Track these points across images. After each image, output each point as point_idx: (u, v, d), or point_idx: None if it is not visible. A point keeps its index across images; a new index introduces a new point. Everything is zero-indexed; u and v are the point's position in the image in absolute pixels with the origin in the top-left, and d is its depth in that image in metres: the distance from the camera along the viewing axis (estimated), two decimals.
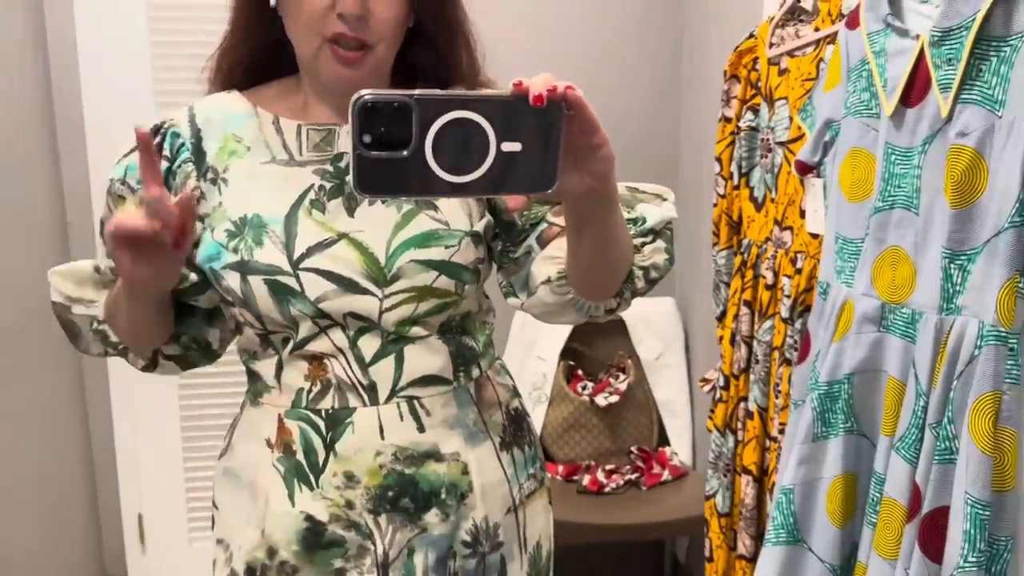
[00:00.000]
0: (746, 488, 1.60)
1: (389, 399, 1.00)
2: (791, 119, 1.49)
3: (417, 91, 0.66)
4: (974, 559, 0.89)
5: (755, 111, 1.64)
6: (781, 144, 1.53)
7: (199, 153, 1.01)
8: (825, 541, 1.11)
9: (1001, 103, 0.89)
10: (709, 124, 2.03)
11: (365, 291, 0.97)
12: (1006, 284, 0.88)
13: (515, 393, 1.15)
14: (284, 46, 1.00)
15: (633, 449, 2.31)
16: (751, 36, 1.65)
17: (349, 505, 1.00)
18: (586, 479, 2.23)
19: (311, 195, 0.99)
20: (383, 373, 0.99)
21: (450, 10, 1.01)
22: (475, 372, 1.06)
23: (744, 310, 1.64)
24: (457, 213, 1.01)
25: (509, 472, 1.08)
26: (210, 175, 1.00)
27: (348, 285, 0.96)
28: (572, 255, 0.93)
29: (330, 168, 1.00)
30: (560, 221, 1.02)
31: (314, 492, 1.00)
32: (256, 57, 1.04)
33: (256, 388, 1.05)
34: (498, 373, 1.12)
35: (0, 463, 1.86)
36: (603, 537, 2.11)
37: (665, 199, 1.05)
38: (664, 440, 2.40)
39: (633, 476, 2.25)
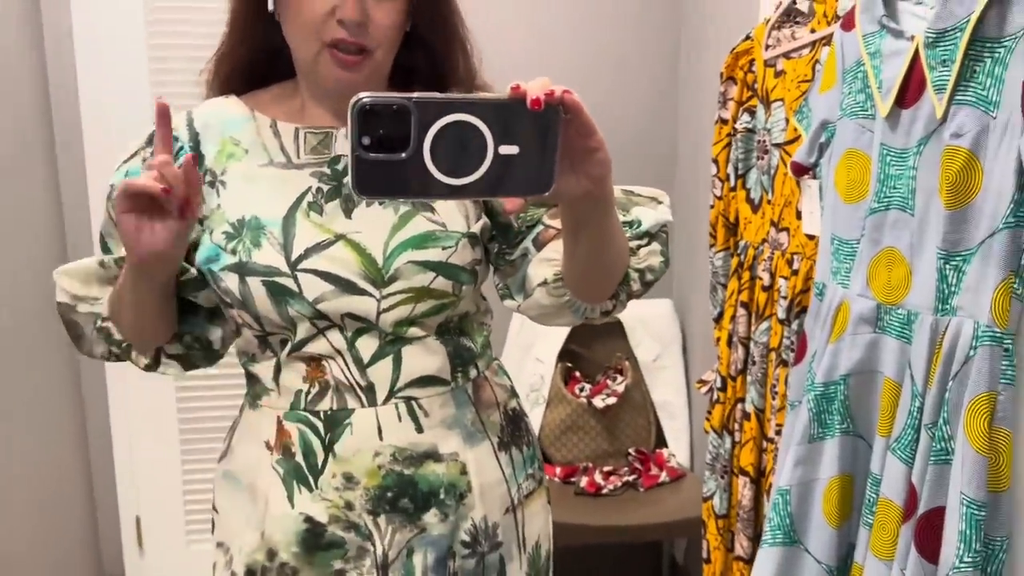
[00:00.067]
0: (743, 489, 1.60)
1: (387, 400, 1.00)
2: (787, 121, 1.50)
3: (416, 94, 0.66)
4: (970, 559, 0.89)
5: (751, 113, 1.64)
6: (777, 146, 1.53)
7: (197, 157, 1.01)
8: (822, 542, 1.11)
9: (995, 104, 0.89)
10: (706, 125, 2.03)
11: (363, 292, 0.97)
12: (1001, 285, 0.89)
13: (513, 393, 1.15)
14: (281, 51, 1.01)
15: (631, 451, 2.31)
16: (747, 38, 1.66)
17: (348, 506, 1.00)
18: (584, 481, 2.23)
19: (309, 197, 0.99)
20: (381, 374, 1.00)
21: (447, 15, 1.02)
22: (473, 373, 1.07)
23: (741, 311, 1.64)
24: (454, 215, 1.02)
25: (507, 472, 1.08)
26: (208, 178, 1.01)
27: (346, 286, 0.97)
28: (568, 257, 0.93)
29: (327, 170, 1.01)
30: (556, 224, 1.02)
31: (313, 493, 1.00)
32: (253, 62, 1.04)
33: (255, 391, 1.05)
34: (496, 374, 1.13)
35: None
36: (601, 539, 2.11)
37: (660, 202, 1.06)
38: (662, 442, 2.40)
39: (631, 478, 2.25)
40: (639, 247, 1.02)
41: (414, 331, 1.00)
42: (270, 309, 0.97)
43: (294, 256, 0.96)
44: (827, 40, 1.39)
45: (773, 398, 1.51)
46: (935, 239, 0.96)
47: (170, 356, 1.08)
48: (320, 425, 1.00)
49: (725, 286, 1.76)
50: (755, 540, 1.59)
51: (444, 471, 1.02)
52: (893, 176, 1.02)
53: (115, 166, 1.05)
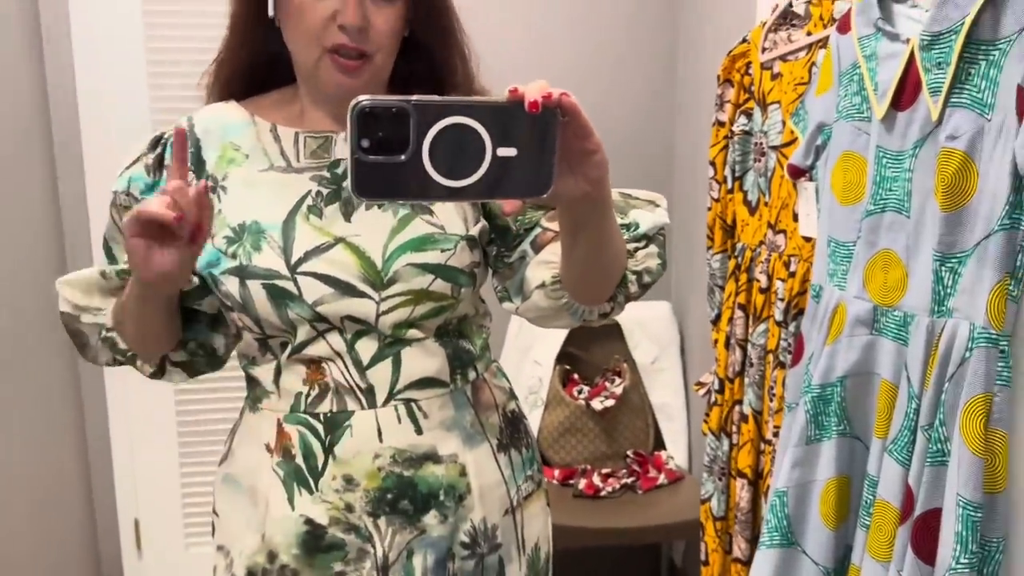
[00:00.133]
0: (741, 491, 1.60)
1: (387, 402, 1.01)
2: (784, 123, 1.50)
3: (414, 97, 0.67)
4: (966, 560, 0.90)
5: (748, 115, 1.65)
6: (774, 148, 1.54)
7: (199, 162, 1.02)
8: (819, 544, 1.12)
9: (990, 106, 0.90)
10: (704, 126, 2.03)
11: (362, 294, 0.98)
12: (996, 286, 0.89)
13: (512, 395, 1.16)
14: (281, 56, 1.02)
15: (629, 453, 2.31)
16: (744, 41, 1.66)
17: (348, 508, 1.01)
18: (582, 483, 2.23)
19: (308, 201, 1.00)
20: (381, 376, 1.00)
21: (444, 21, 1.02)
22: (472, 375, 1.07)
23: (738, 313, 1.64)
24: (453, 218, 1.02)
25: (507, 474, 1.09)
26: (210, 183, 1.01)
27: (345, 288, 0.97)
28: (566, 259, 0.94)
29: (327, 174, 1.01)
30: (554, 226, 1.02)
31: (314, 496, 1.01)
32: (254, 67, 1.05)
33: (255, 394, 1.06)
34: (494, 376, 1.13)
35: None
36: (599, 541, 2.11)
37: (658, 205, 1.06)
38: (660, 444, 2.40)
39: (629, 480, 2.25)
40: (637, 249, 1.02)
41: (413, 333, 1.01)
42: (270, 312, 0.97)
43: (294, 259, 0.97)
44: (823, 43, 1.39)
45: (771, 400, 1.52)
46: (931, 241, 0.96)
47: (175, 364, 1.09)
48: (320, 427, 1.01)
49: (723, 288, 1.76)
50: (753, 542, 1.59)
51: (444, 473, 1.03)
52: (889, 178, 1.03)
53: (117, 171, 1.06)
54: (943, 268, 0.95)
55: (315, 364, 1.00)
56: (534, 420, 2.33)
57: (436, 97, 0.67)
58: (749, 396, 1.59)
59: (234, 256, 0.97)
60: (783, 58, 1.52)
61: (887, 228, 1.04)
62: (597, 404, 2.30)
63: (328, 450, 1.00)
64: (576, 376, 2.41)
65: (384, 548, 1.01)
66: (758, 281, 1.58)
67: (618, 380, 2.37)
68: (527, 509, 1.12)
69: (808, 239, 1.41)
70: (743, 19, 1.95)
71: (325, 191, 1.01)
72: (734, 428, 1.67)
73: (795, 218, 1.46)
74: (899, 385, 1.01)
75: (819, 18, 1.44)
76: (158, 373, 1.09)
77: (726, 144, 1.71)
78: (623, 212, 1.04)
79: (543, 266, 1.02)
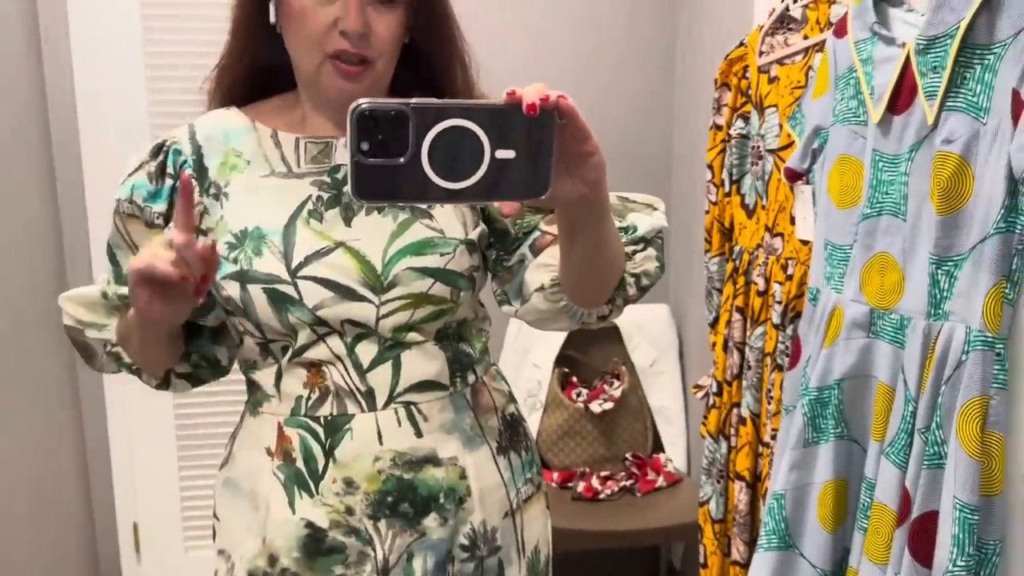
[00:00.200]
0: (739, 494, 1.60)
1: (387, 405, 1.01)
2: (781, 127, 1.50)
3: (413, 100, 0.68)
4: (963, 563, 0.90)
5: (745, 119, 1.65)
6: (771, 151, 1.54)
7: (201, 169, 1.03)
8: (817, 546, 1.12)
9: (986, 110, 0.90)
10: (702, 127, 2.04)
11: (362, 298, 0.98)
12: (992, 290, 0.89)
13: (511, 399, 1.16)
14: (282, 62, 1.02)
15: (628, 456, 2.32)
16: (741, 44, 1.67)
17: (349, 511, 1.01)
18: (581, 486, 2.23)
19: (309, 205, 1.01)
20: (381, 379, 1.01)
21: (444, 28, 1.03)
22: (471, 378, 1.08)
23: (736, 316, 1.65)
24: (452, 222, 1.03)
25: (506, 476, 1.09)
26: (212, 190, 1.02)
27: (345, 292, 0.98)
28: (565, 262, 0.94)
29: (327, 179, 1.02)
30: (553, 230, 1.03)
31: (314, 499, 1.01)
32: (255, 73, 1.06)
33: (256, 398, 1.06)
34: (494, 379, 1.13)
35: None
36: (598, 544, 2.11)
37: (656, 209, 1.07)
38: (659, 446, 2.40)
39: (628, 483, 2.25)
40: (635, 252, 1.03)
41: (413, 336, 1.01)
42: (271, 316, 0.98)
43: (294, 263, 0.97)
44: (820, 47, 1.40)
45: (768, 403, 1.52)
46: (927, 244, 0.97)
47: (179, 376, 1.10)
48: (320, 431, 1.01)
49: (720, 291, 1.77)
50: (751, 544, 1.60)
51: (443, 475, 1.03)
52: (885, 182, 1.03)
53: (115, 171, 1.07)
54: (939, 271, 0.95)
55: (315, 368, 1.00)
56: (533, 423, 2.33)
57: (435, 100, 0.68)
58: (747, 399, 1.59)
59: (235, 261, 0.98)
60: (780, 62, 1.52)
61: (883, 231, 1.04)
62: (596, 407, 2.30)
63: (328, 453, 1.01)
64: (575, 379, 2.41)
65: (384, 551, 1.02)
66: (756, 284, 1.58)
67: (617, 383, 2.37)
68: (527, 512, 1.12)
69: (805, 242, 1.42)
70: (741, 20, 1.96)
71: (326, 196, 1.01)
72: (732, 431, 1.67)
73: (792, 221, 1.47)
74: (896, 388, 1.01)
75: (816, 22, 1.45)
76: (163, 385, 1.11)
77: (723, 147, 1.72)
78: (621, 215, 1.05)
79: (542, 269, 1.02)
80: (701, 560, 1.78)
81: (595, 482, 2.24)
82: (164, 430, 2.41)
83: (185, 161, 1.03)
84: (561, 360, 2.40)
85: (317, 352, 1.00)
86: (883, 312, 1.04)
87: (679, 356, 2.47)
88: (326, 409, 1.01)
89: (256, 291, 0.97)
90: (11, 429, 1.94)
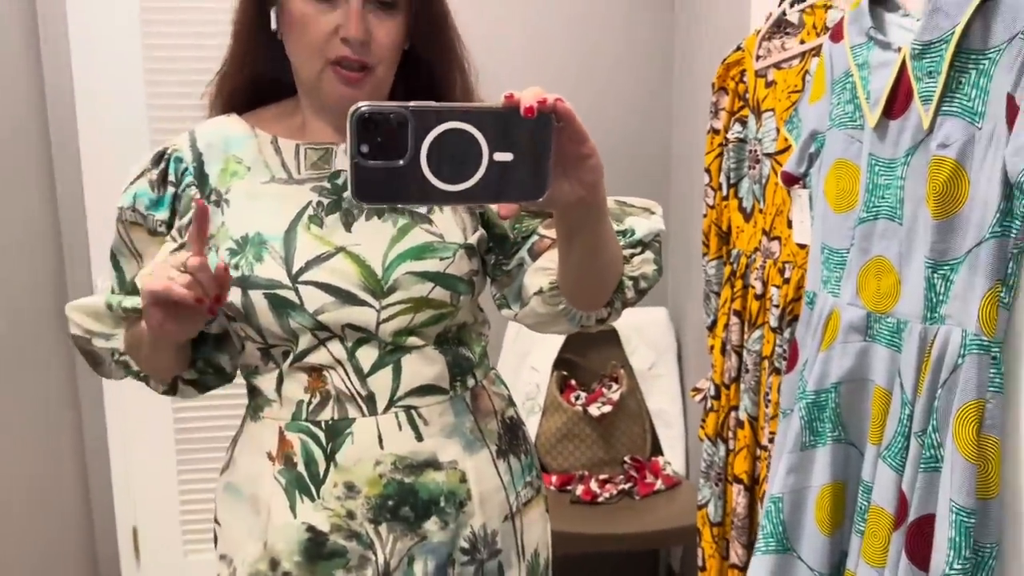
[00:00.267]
0: (738, 497, 1.60)
1: (387, 409, 1.01)
2: (778, 131, 1.51)
3: (412, 103, 0.68)
4: (960, 566, 0.90)
5: (743, 123, 1.66)
6: (768, 155, 1.55)
7: (201, 176, 1.03)
8: (814, 549, 1.12)
9: (981, 115, 0.91)
10: (700, 129, 2.04)
11: (363, 303, 0.99)
12: (988, 293, 0.90)
13: (510, 402, 1.16)
14: (282, 70, 1.03)
15: (626, 459, 2.32)
16: (738, 49, 1.67)
17: (350, 515, 1.01)
18: (580, 489, 2.23)
19: (309, 211, 1.01)
20: (381, 383, 1.01)
21: (444, 35, 1.04)
22: (471, 382, 1.08)
23: (734, 320, 1.65)
24: (451, 227, 1.03)
25: (506, 480, 1.09)
26: (213, 197, 1.03)
27: (346, 297, 0.98)
28: (563, 265, 0.95)
29: (328, 185, 1.03)
30: (551, 233, 1.04)
31: (315, 503, 1.02)
32: (255, 80, 1.07)
33: (257, 402, 1.06)
34: (493, 383, 1.14)
35: None
36: (597, 547, 2.11)
37: (654, 212, 1.08)
38: (657, 450, 2.40)
39: (626, 486, 2.25)
40: (633, 255, 1.04)
41: (413, 341, 1.02)
42: (272, 321, 0.98)
43: (295, 269, 0.98)
44: (816, 51, 1.40)
45: (766, 406, 1.52)
46: (923, 248, 0.97)
47: (186, 382, 1.11)
48: (321, 435, 1.01)
49: (718, 294, 1.77)
50: (749, 548, 1.60)
51: (444, 479, 1.03)
52: (881, 186, 1.04)
53: (114, 171, 1.07)
54: (935, 275, 0.96)
55: (316, 372, 1.01)
56: (532, 426, 2.34)
57: (433, 103, 0.69)
58: (745, 402, 1.59)
59: (236, 267, 0.98)
60: (777, 66, 1.53)
61: (880, 235, 1.04)
62: (594, 410, 2.30)
63: (330, 457, 1.01)
64: (573, 382, 2.41)
65: (385, 555, 1.02)
66: (753, 287, 1.58)
67: (615, 386, 2.37)
68: (526, 515, 1.13)
69: (802, 246, 1.42)
70: (738, 20, 1.96)
71: (326, 201, 1.02)
72: (730, 434, 1.67)
73: (789, 225, 1.47)
74: (892, 391, 1.02)
75: (812, 26, 1.45)
76: (170, 391, 1.11)
77: (721, 151, 1.72)
78: (619, 219, 1.05)
79: (541, 273, 1.03)
80: (700, 563, 1.78)
81: (594, 485, 2.24)
82: (163, 434, 2.41)
83: (186, 168, 1.03)
84: (560, 363, 2.40)
85: (318, 357, 1.00)
86: (880, 316, 1.04)
87: (677, 359, 2.48)
88: (327, 413, 1.01)
89: (257, 296, 0.97)
90: (10, 430, 1.94)
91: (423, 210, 1.03)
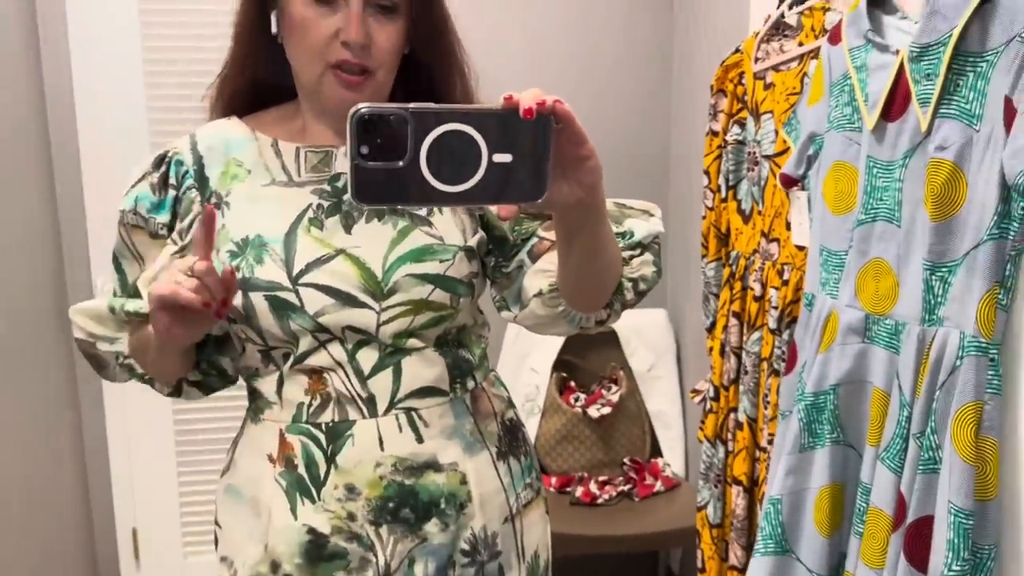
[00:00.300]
0: (737, 499, 1.61)
1: (388, 411, 1.02)
2: (777, 133, 1.51)
3: (412, 104, 0.69)
4: (958, 568, 0.90)
5: (742, 125, 1.66)
6: (767, 157, 1.55)
7: (202, 179, 1.04)
8: (813, 551, 1.12)
9: (979, 117, 0.91)
10: (699, 130, 2.04)
11: (363, 305, 0.99)
12: (986, 295, 0.90)
13: (510, 404, 1.17)
14: (282, 74, 1.04)
15: (626, 460, 2.32)
16: (737, 51, 1.67)
17: (351, 517, 1.02)
18: (579, 491, 2.23)
19: (310, 213, 1.02)
20: (381, 385, 1.01)
21: (444, 40, 1.04)
22: (471, 384, 1.08)
23: (733, 321, 1.65)
24: (451, 229, 1.04)
25: (506, 482, 1.10)
26: (213, 200, 1.03)
27: (346, 299, 0.99)
28: (562, 266, 0.95)
29: (328, 188, 1.03)
30: (551, 235, 1.04)
31: (316, 505, 1.02)
32: (256, 84, 1.07)
33: (257, 405, 1.07)
34: (493, 384, 1.14)
35: None
36: (597, 549, 2.11)
37: (652, 215, 1.08)
38: (657, 451, 2.41)
39: (626, 487, 2.26)
40: (632, 257, 1.04)
41: (413, 343, 1.02)
42: (272, 323, 0.98)
43: (295, 271, 0.98)
44: (815, 53, 1.41)
45: (765, 408, 1.52)
46: (921, 250, 0.97)
47: (191, 383, 1.11)
48: (322, 437, 1.02)
49: (717, 296, 1.77)
50: (749, 549, 1.60)
51: (444, 481, 1.04)
52: (880, 188, 1.04)
53: (114, 171, 1.08)
54: (933, 277, 0.96)
55: (317, 374, 1.01)
56: (531, 428, 2.34)
57: (433, 105, 0.69)
58: (744, 404, 1.60)
59: (237, 269, 0.99)
60: (775, 68, 1.53)
61: (878, 237, 1.05)
62: (594, 412, 2.30)
63: (330, 459, 1.01)
64: (573, 384, 2.42)
65: (386, 557, 1.02)
66: (752, 289, 1.59)
67: (615, 387, 2.38)
68: (526, 517, 1.13)
69: (801, 248, 1.42)
70: (736, 20, 1.97)
71: (326, 204, 1.02)
72: (729, 435, 1.68)
73: (788, 227, 1.47)
74: (891, 393, 1.02)
75: (811, 29, 1.45)
76: (175, 393, 1.12)
77: (720, 153, 1.73)
78: (618, 221, 1.05)
79: (540, 275, 1.03)
80: (699, 565, 1.78)
81: (593, 487, 2.24)
82: (163, 434, 2.41)
83: (187, 171, 1.04)
84: (559, 365, 2.41)
85: (318, 359, 1.01)
86: (878, 317, 1.05)
87: (677, 360, 2.48)
88: (328, 416, 1.01)
89: (258, 298, 0.98)
90: (9, 431, 1.94)
91: (423, 212, 1.03)
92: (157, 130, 2.24)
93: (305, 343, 1.00)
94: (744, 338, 1.62)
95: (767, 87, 1.55)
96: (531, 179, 0.71)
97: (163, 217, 1.03)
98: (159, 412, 2.38)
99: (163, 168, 1.04)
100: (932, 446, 0.94)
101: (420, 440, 1.03)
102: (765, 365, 1.53)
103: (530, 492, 1.14)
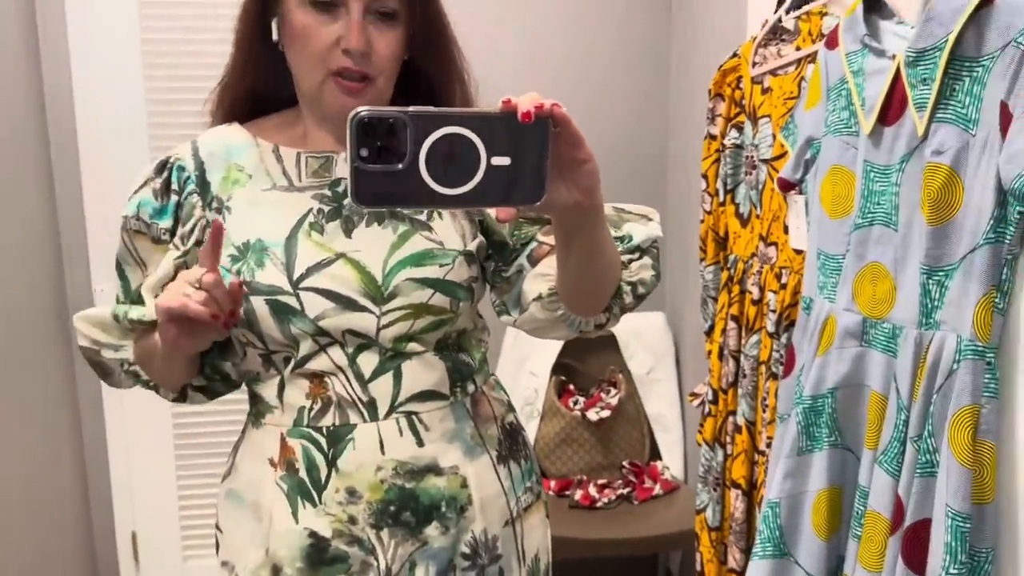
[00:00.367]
0: (736, 502, 1.61)
1: (388, 415, 1.02)
2: (774, 137, 1.52)
3: (411, 108, 0.69)
4: (956, 571, 0.91)
5: (739, 129, 1.66)
6: (765, 161, 1.55)
7: (203, 185, 1.04)
8: (811, 554, 1.13)
9: (975, 122, 0.91)
10: (697, 132, 2.04)
11: (363, 308, 0.99)
12: (982, 299, 0.90)
13: (510, 408, 1.17)
14: (283, 81, 1.04)
15: (625, 463, 2.32)
16: (734, 55, 1.68)
17: (352, 520, 1.02)
18: (578, 494, 2.23)
19: (310, 218, 1.02)
20: (382, 389, 1.02)
21: (444, 47, 1.05)
22: (471, 387, 1.09)
23: (731, 325, 1.65)
24: (451, 233, 1.04)
25: (506, 485, 1.10)
26: (215, 205, 1.04)
27: (347, 303, 0.99)
28: (561, 270, 0.96)
29: (328, 193, 1.04)
30: (550, 240, 1.04)
31: (317, 508, 1.02)
32: (256, 91, 1.08)
33: (258, 409, 1.07)
34: (493, 388, 1.15)
35: None
36: (596, 552, 2.11)
37: (651, 219, 1.09)
38: (656, 454, 2.41)
39: (625, 490, 2.26)
40: (630, 261, 1.05)
41: (413, 347, 1.02)
42: (273, 327, 0.99)
43: (296, 275, 0.99)
44: (812, 58, 1.41)
45: (764, 411, 1.53)
46: (918, 254, 0.98)
47: (195, 389, 1.12)
48: (323, 441, 1.02)
49: (716, 299, 1.78)
50: (747, 552, 1.60)
51: (445, 484, 1.04)
52: (877, 192, 1.04)
53: (113, 172, 1.08)
54: (930, 281, 0.96)
55: (318, 378, 1.02)
56: (530, 431, 2.34)
57: (432, 108, 0.70)
58: (742, 407, 1.60)
59: (238, 274, 0.99)
60: (773, 72, 1.54)
61: (875, 241, 1.05)
62: (593, 415, 2.31)
63: (331, 463, 1.02)
64: (572, 387, 2.42)
65: (387, 560, 1.03)
66: (750, 293, 1.59)
67: (613, 391, 2.38)
68: (527, 520, 1.13)
69: (799, 251, 1.43)
70: (734, 22, 1.97)
71: (326, 208, 1.03)
72: (728, 439, 1.68)
73: (786, 231, 1.48)
74: (888, 396, 1.02)
75: (808, 33, 1.46)
76: (180, 398, 1.12)
77: (718, 157, 1.73)
78: (617, 225, 1.06)
79: (540, 279, 1.04)
80: (698, 568, 1.78)
81: (592, 490, 2.25)
82: (163, 438, 2.41)
83: (188, 177, 1.04)
84: (558, 368, 2.41)
85: (319, 363, 1.01)
86: (875, 321, 1.05)
87: (675, 364, 2.48)
88: (328, 419, 1.02)
89: (259, 302, 0.98)
90: (8, 432, 1.94)
91: (423, 217, 1.04)
92: (156, 131, 2.24)
93: (306, 347, 1.00)
94: (742, 341, 1.63)
95: (765, 91, 1.56)
96: (529, 182, 0.72)
97: (165, 222, 1.04)
98: (158, 415, 2.38)
99: (165, 174, 1.05)
100: (929, 449, 0.95)
101: (421, 444, 1.03)
102: (763, 368, 1.53)
103: (530, 496, 1.15)
